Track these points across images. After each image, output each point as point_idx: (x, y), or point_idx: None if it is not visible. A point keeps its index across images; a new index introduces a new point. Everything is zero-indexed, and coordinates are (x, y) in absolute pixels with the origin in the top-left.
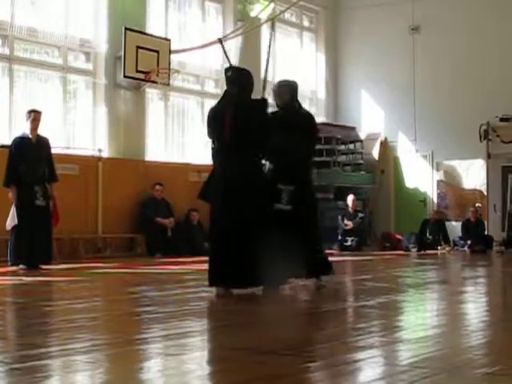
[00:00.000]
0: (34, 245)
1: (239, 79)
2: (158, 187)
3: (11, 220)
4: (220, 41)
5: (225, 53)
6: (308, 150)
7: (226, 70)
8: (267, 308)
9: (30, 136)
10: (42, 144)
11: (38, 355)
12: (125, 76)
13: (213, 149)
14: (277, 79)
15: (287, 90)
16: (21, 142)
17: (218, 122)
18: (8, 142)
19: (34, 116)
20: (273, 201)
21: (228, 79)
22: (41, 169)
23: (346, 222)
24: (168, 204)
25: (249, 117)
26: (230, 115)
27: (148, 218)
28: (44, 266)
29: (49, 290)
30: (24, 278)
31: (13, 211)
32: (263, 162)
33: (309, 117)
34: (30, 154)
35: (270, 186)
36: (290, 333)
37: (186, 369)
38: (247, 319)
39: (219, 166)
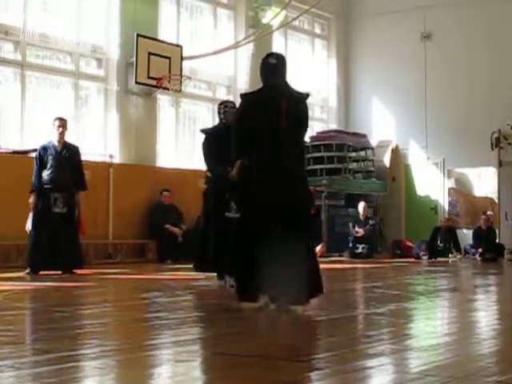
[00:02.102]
0: (55, 251)
1: (283, 68)
2: (165, 193)
3: (28, 225)
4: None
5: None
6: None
7: (268, 57)
8: (277, 315)
9: (56, 144)
10: (68, 152)
11: (47, 360)
12: (136, 82)
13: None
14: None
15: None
16: (43, 149)
17: (270, 110)
18: (20, 147)
19: (59, 123)
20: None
21: (271, 67)
22: (63, 176)
23: (356, 229)
24: (178, 210)
25: (299, 112)
26: (285, 104)
27: (156, 224)
28: (78, 271)
29: (59, 295)
30: (26, 283)
31: (30, 217)
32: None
33: None
34: (53, 161)
35: None
36: (300, 340)
37: (195, 375)
38: (257, 326)
39: (261, 159)
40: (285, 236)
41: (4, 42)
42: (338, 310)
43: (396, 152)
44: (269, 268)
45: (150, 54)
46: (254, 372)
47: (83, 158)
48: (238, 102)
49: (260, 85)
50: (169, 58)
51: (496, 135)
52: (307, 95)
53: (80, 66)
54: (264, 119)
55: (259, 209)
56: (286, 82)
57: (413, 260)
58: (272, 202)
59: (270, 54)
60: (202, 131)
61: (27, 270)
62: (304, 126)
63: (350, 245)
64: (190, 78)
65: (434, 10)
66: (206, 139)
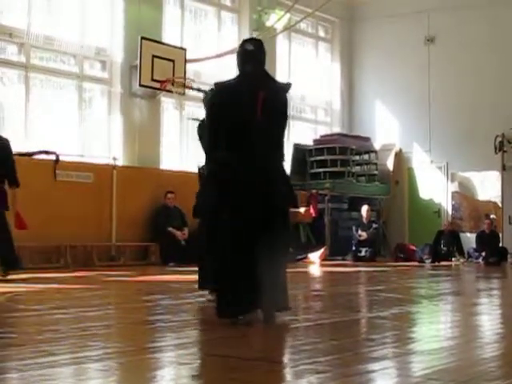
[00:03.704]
0: None
1: (261, 55)
2: (169, 195)
3: None
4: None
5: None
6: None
7: (245, 43)
8: (279, 319)
9: None
10: None
11: (50, 363)
12: (140, 85)
13: (214, 143)
14: (292, 89)
15: None
16: None
17: (245, 101)
18: (23, 149)
19: None
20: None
21: (248, 54)
22: None
23: (360, 232)
24: (181, 212)
25: (278, 103)
26: (263, 95)
27: (160, 227)
28: (11, 274)
29: (62, 297)
30: (29, 284)
31: None
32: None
33: None
34: None
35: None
36: (303, 343)
37: (197, 378)
38: (260, 329)
39: (239, 157)
40: (264, 241)
41: (8, 44)
42: (340, 314)
43: (399, 155)
44: (253, 277)
45: (153, 56)
46: (255, 375)
47: (87, 160)
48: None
49: None
50: (173, 60)
51: (499, 139)
52: (289, 85)
53: (84, 69)
54: (238, 111)
55: (236, 211)
56: (264, 71)
57: (416, 264)
58: (248, 203)
59: (247, 40)
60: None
61: None
62: (284, 118)
63: (354, 248)
64: (193, 81)
65: (437, 13)
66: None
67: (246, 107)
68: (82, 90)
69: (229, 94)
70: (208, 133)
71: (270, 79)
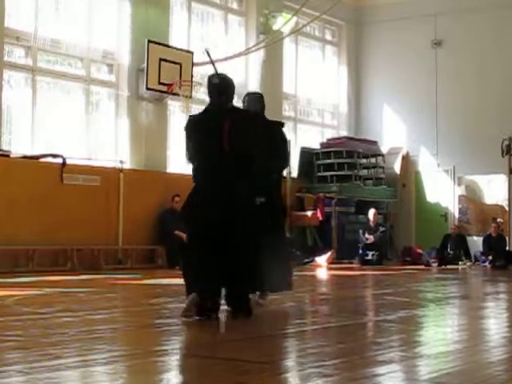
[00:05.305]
0: None
1: (228, 88)
2: (176, 198)
3: None
4: (207, 52)
5: (212, 63)
6: (280, 162)
7: (212, 78)
8: (285, 321)
9: None
10: None
11: (57, 366)
12: (147, 88)
13: (195, 167)
14: (299, 92)
15: (257, 101)
16: None
17: (211, 132)
18: (30, 152)
19: None
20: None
21: (214, 87)
22: None
23: (367, 235)
24: None
25: (246, 131)
26: (228, 125)
27: (167, 230)
28: None
29: (68, 300)
30: (35, 288)
31: None
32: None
33: (277, 125)
34: None
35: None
36: (310, 347)
37: (204, 381)
38: (266, 332)
39: (205, 181)
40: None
41: (15, 47)
42: (347, 317)
43: (406, 159)
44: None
45: (160, 60)
46: (263, 378)
47: (94, 163)
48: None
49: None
50: (180, 64)
51: (506, 142)
52: (257, 115)
53: (91, 72)
54: (206, 141)
55: (200, 228)
56: (230, 103)
57: (423, 267)
58: (212, 224)
59: (214, 74)
60: None
61: None
62: (252, 146)
63: (360, 251)
64: (200, 84)
65: (444, 16)
66: None
67: (211, 136)
68: (88, 94)
69: (197, 126)
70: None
71: (236, 110)
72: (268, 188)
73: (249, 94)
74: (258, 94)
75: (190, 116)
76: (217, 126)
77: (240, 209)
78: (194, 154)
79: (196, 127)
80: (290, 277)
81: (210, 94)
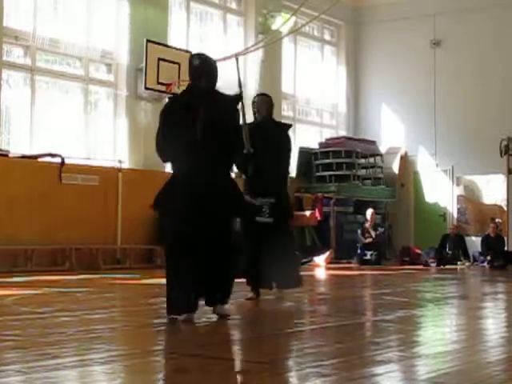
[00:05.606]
0: None
1: (209, 71)
2: None
3: None
4: (236, 59)
5: (238, 70)
6: (287, 164)
7: (192, 58)
8: (284, 321)
9: None
10: None
11: (55, 365)
12: (146, 88)
13: (169, 155)
14: (297, 92)
15: (265, 102)
16: None
17: (185, 118)
18: (29, 152)
19: None
20: (252, 214)
21: (195, 70)
22: None
23: (367, 232)
24: None
25: (222, 116)
26: (202, 111)
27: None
28: None
29: (67, 300)
30: (34, 287)
31: None
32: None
33: (285, 127)
34: None
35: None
36: (308, 346)
37: (203, 381)
38: (265, 332)
39: (182, 171)
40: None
41: (14, 47)
42: (345, 317)
43: (405, 159)
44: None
45: (159, 59)
46: (262, 378)
47: (92, 162)
48: (247, 106)
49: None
50: (178, 63)
51: (505, 142)
52: (238, 97)
53: (90, 72)
54: (181, 126)
55: (181, 223)
56: (213, 87)
57: (421, 267)
58: (193, 216)
59: (195, 55)
60: None
61: None
62: (229, 135)
63: (359, 251)
64: None
65: (443, 16)
66: None
67: (185, 123)
68: (87, 93)
69: (175, 109)
70: (156, 138)
71: (215, 93)
72: (278, 189)
73: (258, 96)
74: (266, 95)
75: (169, 99)
76: (191, 113)
77: (220, 199)
78: (168, 140)
79: (172, 113)
80: (299, 273)
81: (190, 75)
